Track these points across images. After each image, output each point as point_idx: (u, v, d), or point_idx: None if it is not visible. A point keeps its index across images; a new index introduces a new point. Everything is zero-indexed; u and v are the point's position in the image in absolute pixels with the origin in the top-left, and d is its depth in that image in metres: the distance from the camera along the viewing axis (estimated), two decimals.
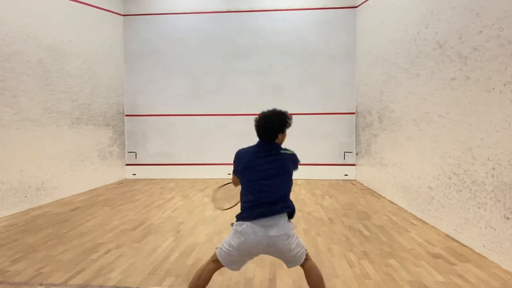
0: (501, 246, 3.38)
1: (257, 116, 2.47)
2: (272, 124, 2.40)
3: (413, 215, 5.26)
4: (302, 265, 2.41)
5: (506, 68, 3.35)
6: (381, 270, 3.30)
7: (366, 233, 4.44)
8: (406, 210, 5.53)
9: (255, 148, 2.48)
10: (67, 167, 6.91)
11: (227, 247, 2.32)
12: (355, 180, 8.55)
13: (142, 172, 8.97)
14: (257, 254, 2.36)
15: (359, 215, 5.30)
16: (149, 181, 8.56)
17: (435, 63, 4.69)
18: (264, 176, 2.34)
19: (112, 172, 8.43)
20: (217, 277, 3.13)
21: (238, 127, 8.65)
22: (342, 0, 8.54)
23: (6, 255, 3.71)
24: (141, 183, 8.24)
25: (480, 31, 3.75)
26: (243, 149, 2.51)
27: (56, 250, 3.87)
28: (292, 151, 2.52)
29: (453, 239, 4.15)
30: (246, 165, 2.40)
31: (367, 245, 3.99)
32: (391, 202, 6.16)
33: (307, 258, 2.41)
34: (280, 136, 2.46)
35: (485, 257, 3.58)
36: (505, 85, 3.36)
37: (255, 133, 2.49)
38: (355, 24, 8.47)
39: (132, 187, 7.81)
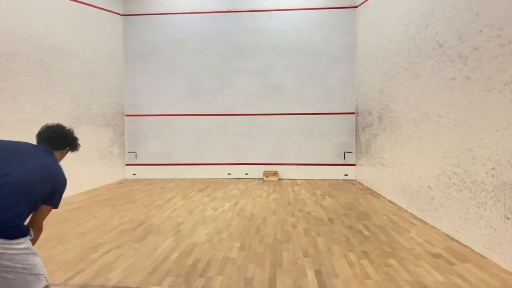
0: (501, 246, 3.38)
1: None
2: (64, 133, 2.10)
3: (413, 215, 5.26)
4: None
5: (506, 68, 3.35)
6: (381, 270, 3.30)
7: (366, 233, 4.44)
8: (406, 210, 5.53)
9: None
10: (67, 167, 6.89)
11: None
12: (355, 180, 8.55)
13: (142, 172, 8.97)
14: None
15: (359, 215, 5.30)
16: (149, 181, 8.56)
17: (435, 63, 4.69)
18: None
19: (112, 172, 8.42)
20: (217, 277, 3.13)
21: (238, 127, 8.64)
22: (342, 0, 8.54)
23: None
24: (141, 183, 8.24)
25: (480, 31, 3.75)
26: None
27: (56, 250, 3.86)
28: (65, 177, 2.01)
29: (453, 239, 4.15)
30: None
31: (367, 245, 3.99)
32: (391, 202, 6.16)
33: None
34: (63, 151, 2.14)
35: (485, 257, 3.58)
36: (505, 85, 3.36)
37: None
38: (355, 24, 8.47)
39: (132, 187, 7.81)
